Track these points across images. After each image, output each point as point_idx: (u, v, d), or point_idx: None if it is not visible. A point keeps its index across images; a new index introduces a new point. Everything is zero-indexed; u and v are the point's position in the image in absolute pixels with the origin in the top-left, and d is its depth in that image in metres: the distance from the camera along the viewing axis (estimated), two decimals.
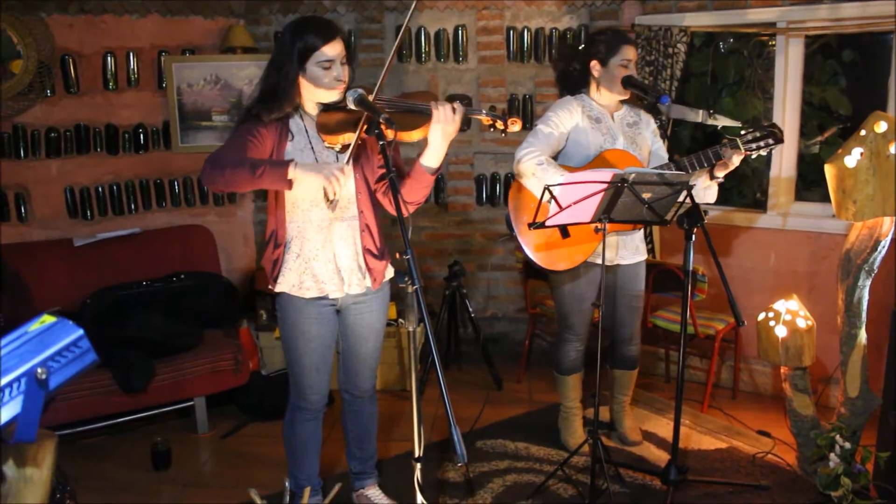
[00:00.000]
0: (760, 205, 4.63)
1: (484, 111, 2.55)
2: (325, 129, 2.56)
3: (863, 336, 3.23)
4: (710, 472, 3.50)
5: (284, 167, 2.42)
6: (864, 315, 3.22)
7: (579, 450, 3.54)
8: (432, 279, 5.15)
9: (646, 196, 2.76)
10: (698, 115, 3.24)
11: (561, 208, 2.74)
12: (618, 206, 2.79)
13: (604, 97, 3.38)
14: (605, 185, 2.69)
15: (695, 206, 2.80)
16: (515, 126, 2.52)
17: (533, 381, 4.69)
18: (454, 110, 2.48)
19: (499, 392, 4.55)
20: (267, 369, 4.55)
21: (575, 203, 2.73)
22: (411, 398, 2.35)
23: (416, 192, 2.67)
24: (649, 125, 3.48)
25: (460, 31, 4.98)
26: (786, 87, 4.42)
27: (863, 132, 2.96)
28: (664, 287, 4.19)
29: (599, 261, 3.37)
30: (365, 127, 2.45)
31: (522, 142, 3.29)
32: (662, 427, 3.94)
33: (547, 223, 2.80)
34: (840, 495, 3.09)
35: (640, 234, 3.51)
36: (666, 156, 3.49)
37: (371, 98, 2.48)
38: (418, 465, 2.30)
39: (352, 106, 2.46)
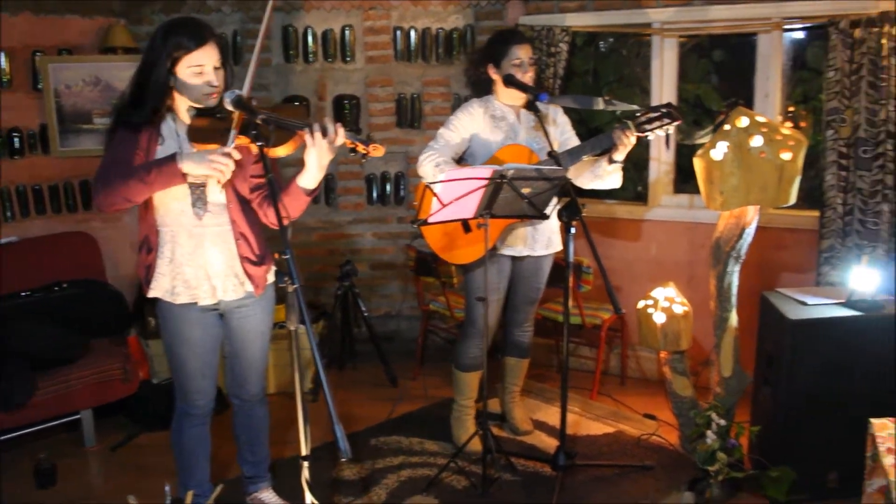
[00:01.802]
0: (642, 198, 4.82)
1: (350, 134, 2.48)
2: (194, 135, 2.48)
3: (734, 319, 3.42)
4: (598, 456, 3.63)
5: (172, 162, 2.40)
6: (734, 299, 3.40)
7: (470, 441, 3.60)
8: (324, 280, 5.14)
9: (525, 191, 2.84)
10: (598, 104, 3.34)
11: (443, 205, 2.80)
12: (499, 202, 2.87)
13: (507, 96, 3.47)
14: (484, 182, 2.76)
15: (573, 199, 2.90)
16: (378, 152, 2.50)
17: (427, 377, 4.73)
18: (328, 135, 2.43)
19: (394, 389, 4.59)
20: (157, 377, 4.45)
21: (456, 200, 2.78)
22: (296, 397, 2.36)
23: (292, 208, 2.63)
24: (557, 119, 3.59)
25: (347, 32, 4.99)
26: (662, 85, 4.62)
27: (727, 127, 3.13)
28: (554, 280, 4.30)
29: (508, 253, 3.47)
30: (240, 133, 2.41)
31: (426, 146, 3.39)
32: (553, 416, 4.06)
33: (429, 220, 2.86)
34: (717, 469, 3.26)
35: (552, 226, 3.57)
36: None
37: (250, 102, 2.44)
38: (305, 464, 2.32)
39: (229, 107, 2.42)
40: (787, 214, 4.42)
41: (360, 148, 2.48)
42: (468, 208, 2.87)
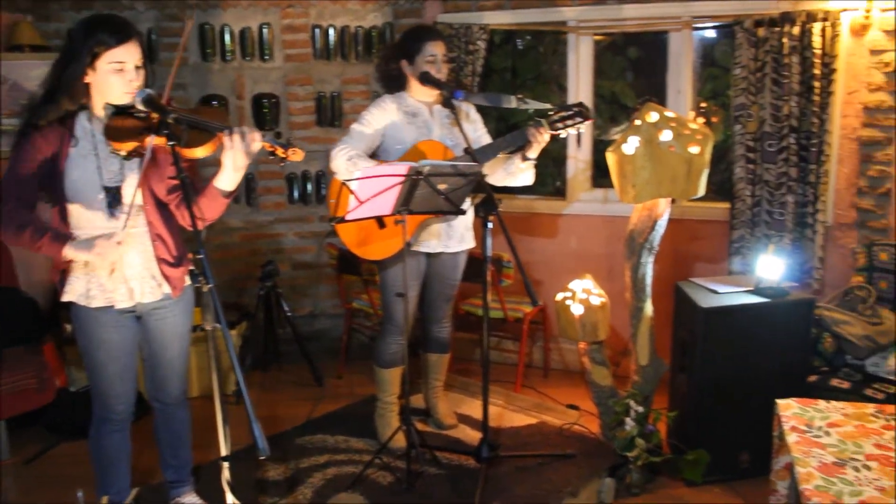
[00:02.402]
0: (560, 193, 4.92)
1: (269, 138, 2.46)
2: (111, 134, 2.43)
3: (649, 309, 3.52)
4: (521, 447, 3.69)
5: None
6: (648, 289, 3.50)
7: (394, 437, 3.61)
8: (247, 280, 5.09)
9: (441, 187, 2.88)
10: (511, 102, 3.39)
11: (360, 202, 2.81)
12: (415, 198, 2.89)
13: (420, 93, 3.49)
14: (401, 179, 2.78)
15: (489, 195, 2.94)
16: (297, 156, 2.49)
17: (353, 375, 4.74)
18: (245, 139, 2.41)
19: (320, 388, 4.57)
20: (75, 385, 4.33)
21: (373, 197, 2.80)
22: (214, 398, 2.34)
23: (209, 209, 2.59)
24: (471, 116, 3.63)
25: (265, 30, 4.95)
26: (578, 82, 4.73)
27: (637, 122, 3.22)
28: (474, 275, 4.35)
29: (422, 249, 3.49)
30: (152, 137, 2.38)
31: (338, 141, 3.38)
32: (477, 409, 4.08)
33: (347, 218, 2.86)
34: (635, 455, 3.36)
35: (466, 222, 3.61)
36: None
37: (162, 101, 2.41)
38: (226, 465, 2.30)
39: (140, 106, 2.38)
40: (699, 207, 4.57)
41: (280, 152, 2.46)
42: (385, 205, 2.89)
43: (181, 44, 2.58)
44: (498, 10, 4.73)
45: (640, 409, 3.41)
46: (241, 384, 1.92)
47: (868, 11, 3.94)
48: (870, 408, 2.82)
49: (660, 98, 4.55)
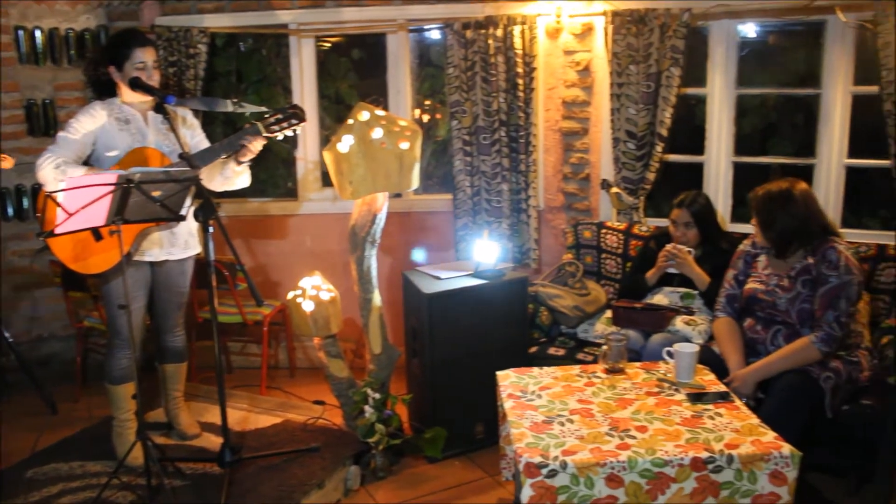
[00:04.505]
0: (293, 194, 4.98)
1: None
2: None
3: (377, 299, 3.68)
4: (267, 447, 3.71)
5: None
6: (375, 281, 3.66)
7: (130, 454, 3.48)
8: None
9: (156, 194, 2.83)
10: (227, 106, 3.38)
11: (69, 214, 2.70)
12: (130, 207, 2.82)
13: (132, 98, 3.37)
14: (111, 188, 2.70)
15: (207, 199, 2.93)
16: (6, 163, 2.36)
17: (92, 397, 4.49)
18: None
19: (53, 416, 4.29)
20: None
21: (83, 208, 2.70)
22: None
23: None
24: (188, 120, 3.56)
25: None
26: (303, 84, 4.80)
27: (350, 121, 3.36)
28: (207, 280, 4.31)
29: (145, 259, 3.39)
30: None
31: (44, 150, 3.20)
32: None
33: (56, 231, 2.73)
34: (377, 440, 3.51)
35: (189, 228, 3.54)
36: None
37: None
38: None
39: None
40: (426, 199, 4.83)
41: None
42: (98, 215, 2.79)
43: None
44: (218, 14, 4.69)
45: (378, 395, 3.57)
46: None
47: (559, 17, 4.37)
48: (576, 369, 3.16)
49: (383, 98, 4.75)
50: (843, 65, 4.10)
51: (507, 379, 3.09)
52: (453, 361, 3.66)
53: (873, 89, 3.94)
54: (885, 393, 3.16)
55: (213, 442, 3.79)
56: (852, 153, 4.20)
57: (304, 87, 4.79)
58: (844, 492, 3.35)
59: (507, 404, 2.87)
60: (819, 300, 3.11)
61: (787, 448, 2.43)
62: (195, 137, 3.55)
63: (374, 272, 3.64)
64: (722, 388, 2.92)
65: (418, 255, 4.76)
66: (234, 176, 3.47)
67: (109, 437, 3.70)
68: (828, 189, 4.22)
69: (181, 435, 3.83)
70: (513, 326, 3.81)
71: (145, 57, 3.30)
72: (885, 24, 3.76)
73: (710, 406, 2.76)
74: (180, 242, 3.50)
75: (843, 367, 3.15)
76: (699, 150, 4.49)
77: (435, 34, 4.98)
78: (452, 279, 3.72)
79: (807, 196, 3.19)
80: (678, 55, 4.12)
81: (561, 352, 3.91)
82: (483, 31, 4.39)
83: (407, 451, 3.72)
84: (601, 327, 3.93)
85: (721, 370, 3.17)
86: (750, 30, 4.63)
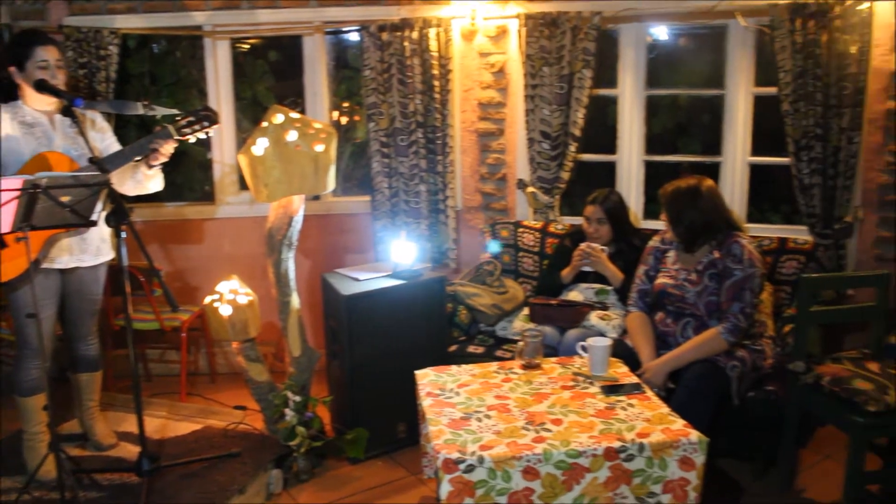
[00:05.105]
0: (210, 197, 4.92)
1: None
2: None
3: (295, 301, 3.68)
4: (187, 454, 3.65)
5: None
6: (293, 283, 3.65)
7: (41, 467, 3.39)
8: None
9: (64, 199, 2.77)
10: (137, 108, 3.32)
11: None
12: (38, 213, 2.75)
13: (37, 101, 3.27)
14: (16, 193, 2.63)
15: (119, 204, 2.88)
16: None
17: (3, 410, 4.35)
18: None
19: None
20: None
21: None
22: None
23: None
24: (97, 123, 3.48)
25: None
26: (219, 86, 4.74)
27: (264, 124, 3.34)
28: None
29: (55, 266, 3.30)
30: None
31: None
32: None
33: None
34: (298, 443, 3.51)
35: (101, 233, 3.45)
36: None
37: None
38: None
39: None
40: (345, 201, 4.84)
41: None
42: (3, 222, 2.71)
43: None
44: (130, 14, 4.60)
45: (298, 398, 3.56)
46: None
47: (473, 20, 4.44)
48: (493, 366, 3.22)
49: (301, 99, 4.74)
50: (744, 67, 4.28)
51: (426, 378, 3.13)
52: (373, 362, 3.68)
53: (773, 90, 4.12)
54: (787, 379, 3.31)
55: (131, 451, 3.72)
56: (756, 151, 4.38)
57: (220, 90, 4.74)
58: (752, 475, 3.49)
59: (426, 402, 2.91)
60: (725, 293, 3.24)
61: (694, 434, 2.53)
62: (105, 141, 3.48)
63: (291, 275, 3.64)
64: (635, 379, 3.02)
65: (342, 257, 4.76)
66: (146, 180, 3.41)
67: (21, 451, 3.60)
68: (733, 185, 4.40)
69: (97, 446, 3.75)
70: (432, 326, 3.85)
71: (47, 55, 3.21)
72: (780, 29, 3.95)
73: (622, 397, 2.85)
74: (91, 249, 3.43)
75: (749, 355, 3.30)
76: (612, 149, 4.62)
77: (352, 36, 5.00)
78: (371, 280, 3.74)
79: (712, 192, 3.32)
80: (590, 57, 4.23)
81: (480, 350, 3.96)
82: (399, 34, 4.42)
83: (329, 453, 3.72)
84: (519, 324, 4.00)
85: (634, 363, 3.28)
86: (659, 33, 4.80)
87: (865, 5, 3.85)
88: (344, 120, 5.47)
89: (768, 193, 5.06)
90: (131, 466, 3.43)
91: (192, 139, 3.32)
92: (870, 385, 3.03)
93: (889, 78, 4.00)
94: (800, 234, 4.13)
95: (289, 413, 3.55)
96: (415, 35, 4.39)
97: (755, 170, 4.42)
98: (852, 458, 3.03)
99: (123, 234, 2.95)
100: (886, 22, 3.93)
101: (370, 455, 3.73)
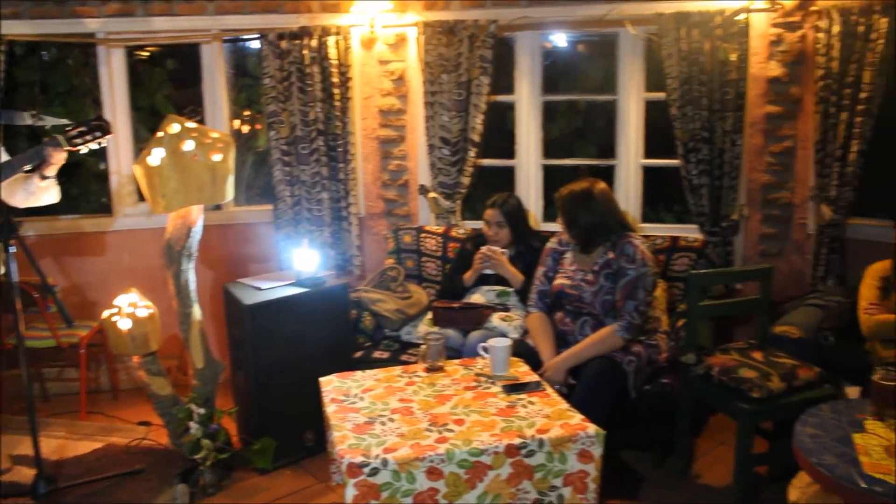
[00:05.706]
0: (107, 209, 4.80)
1: None
2: None
3: (197, 313, 3.63)
4: (88, 473, 3.57)
5: None
6: (193, 295, 3.61)
7: None
8: None
9: None
10: (25, 119, 3.23)
11: None
12: None
13: None
14: None
15: (6, 217, 2.81)
16: None
17: None
18: None
19: None
20: None
21: None
22: None
23: None
24: None
25: None
26: (114, 95, 4.63)
27: (160, 134, 3.30)
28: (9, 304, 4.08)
29: None
30: None
31: None
32: None
33: None
34: (203, 455, 3.46)
35: None
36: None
37: None
38: None
39: None
40: (247, 210, 4.80)
41: None
42: None
43: None
44: (15, 20, 4.43)
45: (203, 410, 3.51)
46: None
47: (373, 28, 4.47)
48: (398, 370, 3.25)
49: (200, 108, 4.68)
50: (635, 73, 4.45)
51: (331, 384, 3.13)
52: (278, 371, 3.66)
53: (662, 95, 4.30)
54: (681, 371, 3.46)
55: (26, 475, 3.60)
56: (648, 154, 4.56)
57: (116, 99, 4.62)
58: (651, 464, 3.64)
59: (330, 409, 2.91)
60: (619, 292, 3.36)
61: (592, 428, 2.62)
62: None
63: (192, 286, 3.59)
64: (535, 378, 3.10)
65: (245, 266, 4.72)
66: (39, 192, 3.31)
67: None
68: (628, 187, 4.57)
69: None
70: (336, 332, 3.86)
71: None
72: (667, 37, 4.13)
73: (523, 396, 2.92)
74: None
75: (644, 350, 3.44)
76: (511, 154, 4.72)
77: (252, 43, 4.96)
78: (274, 289, 3.73)
79: (605, 195, 3.45)
80: (487, 64, 4.33)
81: (385, 355, 3.99)
82: (298, 42, 4.42)
83: (237, 465, 3.68)
84: (424, 328, 4.05)
85: (536, 362, 3.36)
86: (555, 40, 4.94)
87: (743, 16, 4.07)
88: (245, 129, 5.42)
89: (661, 194, 5.26)
90: (26, 490, 3.33)
91: (83, 150, 3.24)
92: (754, 373, 3.21)
93: (766, 84, 4.23)
94: (691, 232, 4.32)
95: (193, 426, 3.50)
96: (314, 43, 4.40)
97: (649, 172, 4.60)
98: (740, 442, 3.20)
99: (13, 249, 2.87)
100: (762, 31, 4.17)
101: (278, 465, 3.71)
